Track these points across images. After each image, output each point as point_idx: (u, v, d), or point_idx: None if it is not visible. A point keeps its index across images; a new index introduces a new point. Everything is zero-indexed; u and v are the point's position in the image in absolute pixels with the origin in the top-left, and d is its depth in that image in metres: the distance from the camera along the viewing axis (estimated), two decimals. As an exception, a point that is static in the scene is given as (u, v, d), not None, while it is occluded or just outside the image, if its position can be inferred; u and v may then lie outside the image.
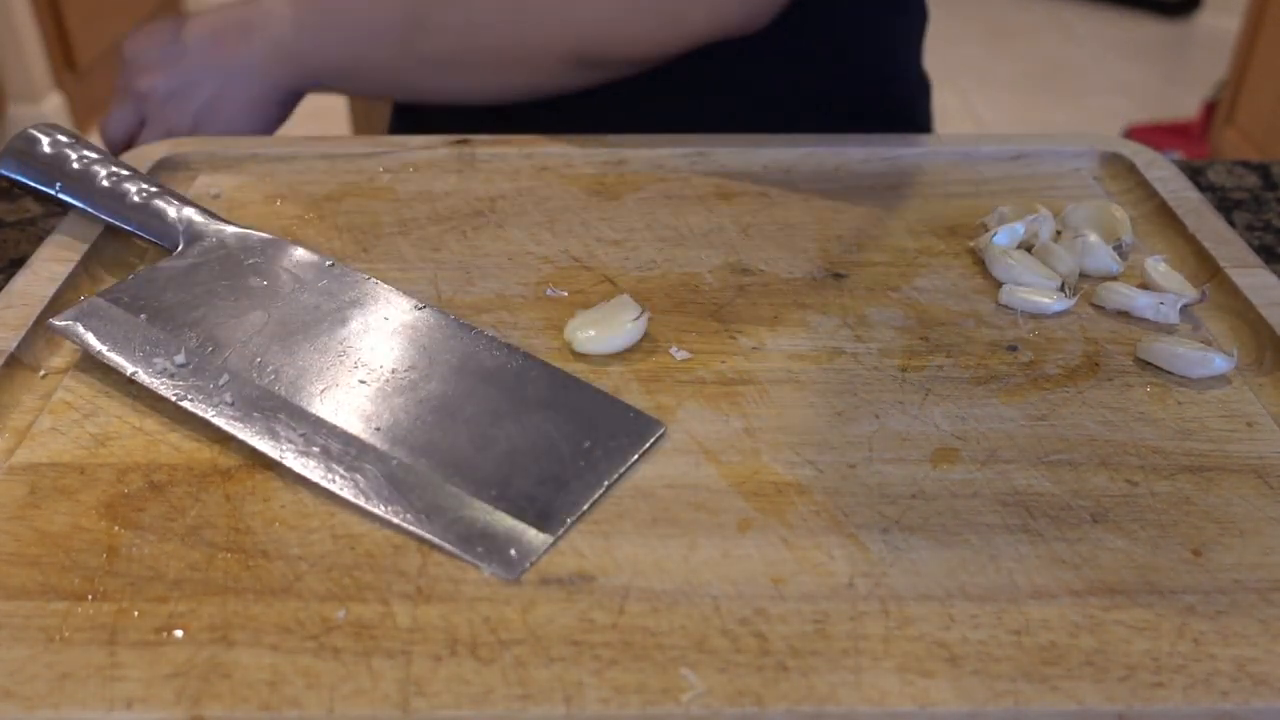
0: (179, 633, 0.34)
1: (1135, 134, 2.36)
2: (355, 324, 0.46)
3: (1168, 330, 0.48)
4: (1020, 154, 0.61)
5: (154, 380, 0.43)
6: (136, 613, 0.34)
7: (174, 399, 0.42)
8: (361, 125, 1.53)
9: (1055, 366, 0.46)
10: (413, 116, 0.77)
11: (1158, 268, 0.50)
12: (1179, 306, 0.48)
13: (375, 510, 0.38)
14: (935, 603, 0.35)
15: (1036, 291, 0.49)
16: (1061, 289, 0.50)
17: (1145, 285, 0.50)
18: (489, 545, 0.37)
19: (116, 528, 0.37)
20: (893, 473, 0.40)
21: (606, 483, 0.39)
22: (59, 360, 0.46)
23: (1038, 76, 2.80)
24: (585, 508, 0.38)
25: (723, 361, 0.46)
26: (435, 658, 0.33)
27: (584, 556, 0.37)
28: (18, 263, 0.54)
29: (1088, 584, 0.36)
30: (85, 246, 0.52)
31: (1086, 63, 2.92)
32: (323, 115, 1.16)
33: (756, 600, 0.35)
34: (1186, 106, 2.58)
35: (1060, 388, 0.45)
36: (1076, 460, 0.41)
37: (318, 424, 0.41)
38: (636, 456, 0.40)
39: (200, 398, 0.42)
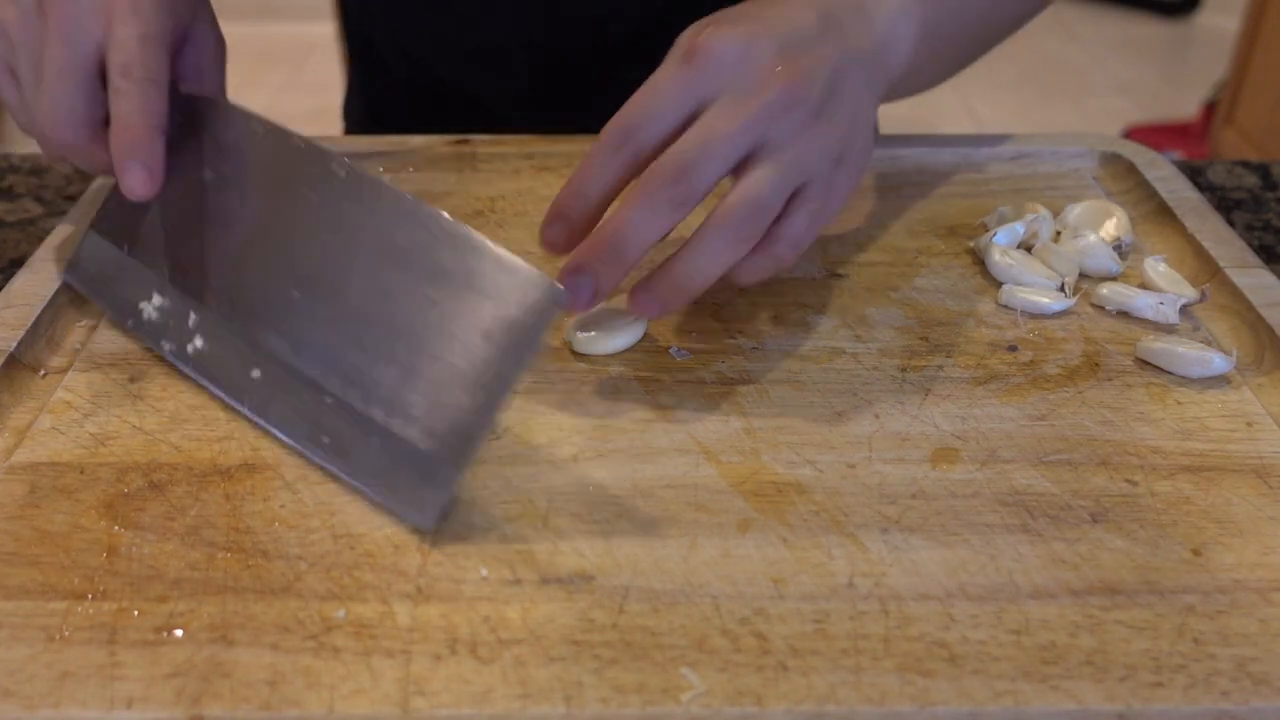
0: (179, 632, 0.34)
1: (1135, 134, 2.36)
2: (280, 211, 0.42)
3: (1167, 330, 0.48)
4: (1020, 154, 0.61)
5: (144, 336, 0.44)
6: (136, 612, 0.34)
7: (170, 358, 0.43)
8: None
9: (1055, 366, 0.46)
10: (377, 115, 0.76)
11: (1157, 268, 0.50)
12: (1179, 307, 0.48)
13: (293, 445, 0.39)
14: (935, 603, 0.35)
15: (1036, 291, 0.49)
16: (1061, 289, 0.50)
17: (1145, 285, 0.50)
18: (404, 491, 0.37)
19: (116, 527, 0.37)
20: (893, 473, 0.40)
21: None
22: (59, 360, 0.46)
23: (1038, 76, 2.80)
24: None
25: (723, 361, 0.46)
26: (435, 657, 0.33)
27: (584, 556, 0.37)
28: (18, 263, 0.54)
29: (1088, 584, 0.36)
30: (85, 246, 0.52)
31: (1086, 63, 2.92)
32: (323, 115, 1.16)
33: (756, 600, 0.35)
34: (1186, 106, 2.58)
35: (1060, 388, 0.45)
36: (1076, 460, 0.41)
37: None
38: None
39: (175, 349, 0.43)
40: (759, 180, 0.41)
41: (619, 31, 0.68)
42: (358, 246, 0.40)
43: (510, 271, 0.37)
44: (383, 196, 0.40)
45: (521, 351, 0.37)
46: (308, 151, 0.42)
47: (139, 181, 0.43)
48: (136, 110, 0.43)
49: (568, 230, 0.43)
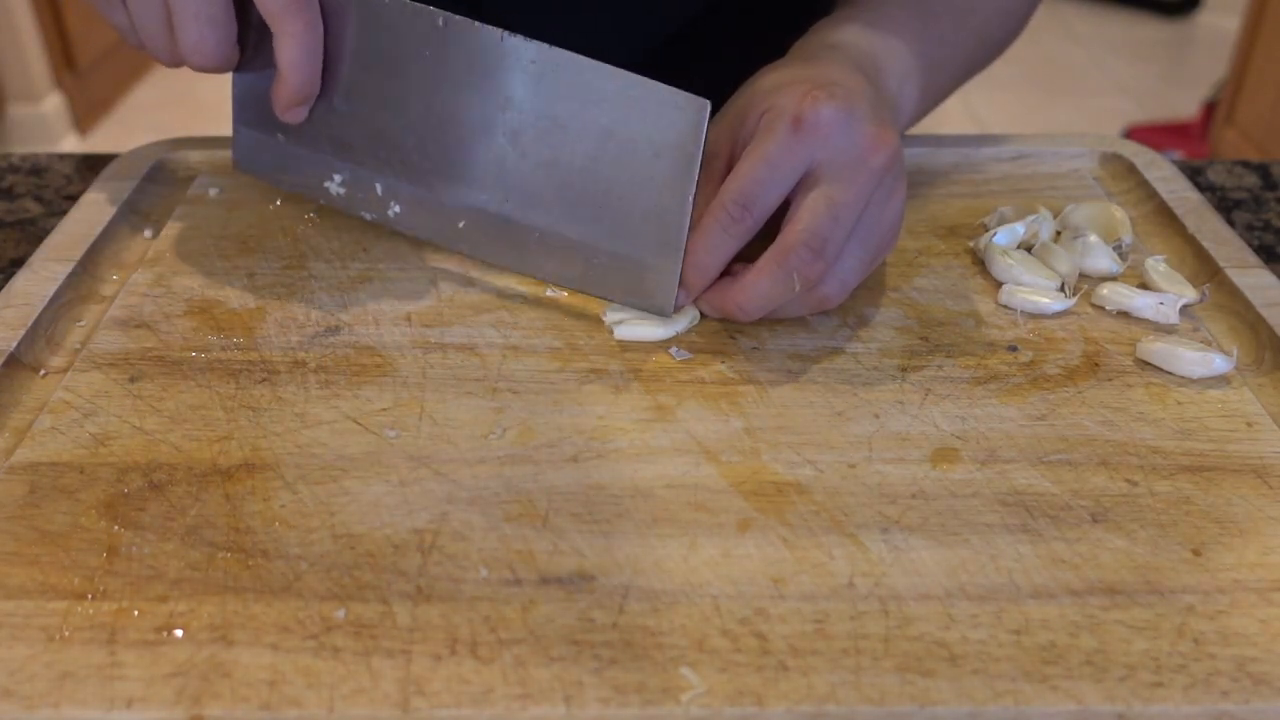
0: (179, 632, 0.34)
1: (1135, 134, 2.36)
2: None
3: (1167, 330, 0.48)
4: (1020, 154, 0.61)
5: (341, 208, 0.49)
6: (136, 612, 0.34)
7: (374, 221, 0.49)
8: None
9: (1055, 366, 0.46)
10: None
11: (1158, 268, 0.50)
12: (1179, 307, 0.48)
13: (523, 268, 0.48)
14: (935, 603, 0.35)
15: (1036, 291, 0.49)
16: (1061, 289, 0.50)
17: (1146, 285, 0.50)
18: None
19: (116, 527, 0.37)
20: (893, 473, 0.40)
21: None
22: (59, 360, 0.46)
23: (1038, 76, 2.80)
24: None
25: (723, 361, 0.46)
26: (435, 657, 0.33)
27: (584, 556, 0.37)
28: (18, 263, 0.54)
29: (1088, 584, 0.36)
30: (85, 246, 0.52)
31: (1086, 63, 2.92)
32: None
33: (756, 600, 0.35)
34: (1186, 106, 2.58)
35: (1060, 388, 0.45)
36: (1076, 460, 0.41)
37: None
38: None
39: (376, 216, 0.49)
40: (827, 225, 0.43)
41: (639, 43, 0.67)
42: (518, 95, 0.46)
43: (661, 94, 0.43)
44: (522, 48, 0.45)
45: (690, 161, 0.43)
46: (428, 16, 0.46)
47: (300, 115, 0.48)
48: (301, 63, 0.46)
49: (689, 297, 0.47)
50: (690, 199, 0.44)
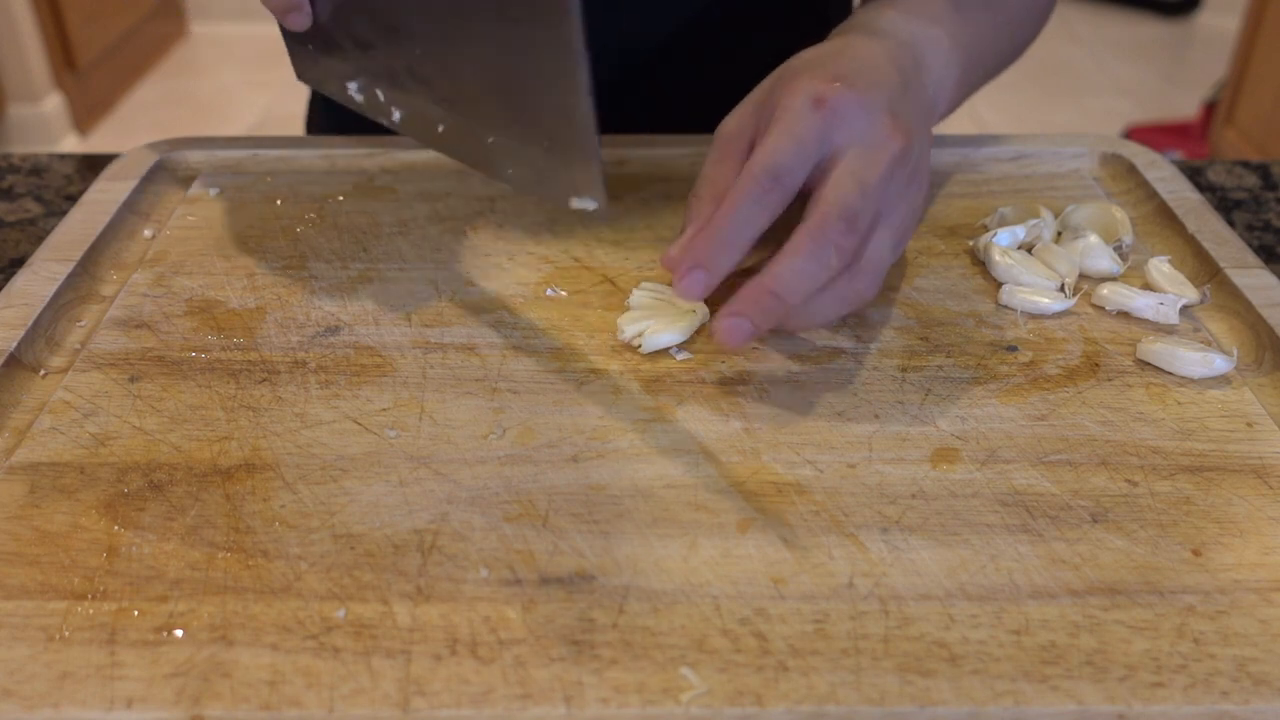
0: (179, 632, 0.34)
1: (1135, 134, 2.36)
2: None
3: (1168, 330, 0.48)
4: (1020, 154, 0.61)
5: (365, 114, 0.51)
6: (136, 612, 0.34)
7: (387, 125, 0.50)
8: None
9: (1055, 366, 0.46)
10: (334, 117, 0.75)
11: (1161, 269, 0.50)
12: (1179, 307, 0.48)
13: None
14: (935, 603, 0.35)
15: (1036, 292, 0.49)
16: (1061, 289, 0.50)
17: (1148, 286, 0.50)
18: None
19: (116, 527, 0.37)
20: (893, 473, 0.40)
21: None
22: (59, 360, 0.46)
23: (1038, 76, 2.80)
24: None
25: (723, 361, 0.46)
26: (435, 657, 0.33)
27: (584, 556, 0.37)
28: (18, 263, 0.54)
29: (1088, 584, 0.36)
30: (85, 246, 0.52)
31: (1086, 63, 2.92)
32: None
33: (756, 600, 0.35)
34: (1186, 106, 2.58)
35: (1060, 388, 0.45)
36: (1076, 460, 0.41)
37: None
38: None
39: (388, 121, 0.50)
40: (857, 199, 0.43)
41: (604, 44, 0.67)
42: (439, 8, 0.46)
43: None
44: None
45: (569, 47, 0.40)
46: None
47: (299, 22, 0.50)
48: None
49: (709, 282, 0.42)
50: (586, 88, 0.41)
